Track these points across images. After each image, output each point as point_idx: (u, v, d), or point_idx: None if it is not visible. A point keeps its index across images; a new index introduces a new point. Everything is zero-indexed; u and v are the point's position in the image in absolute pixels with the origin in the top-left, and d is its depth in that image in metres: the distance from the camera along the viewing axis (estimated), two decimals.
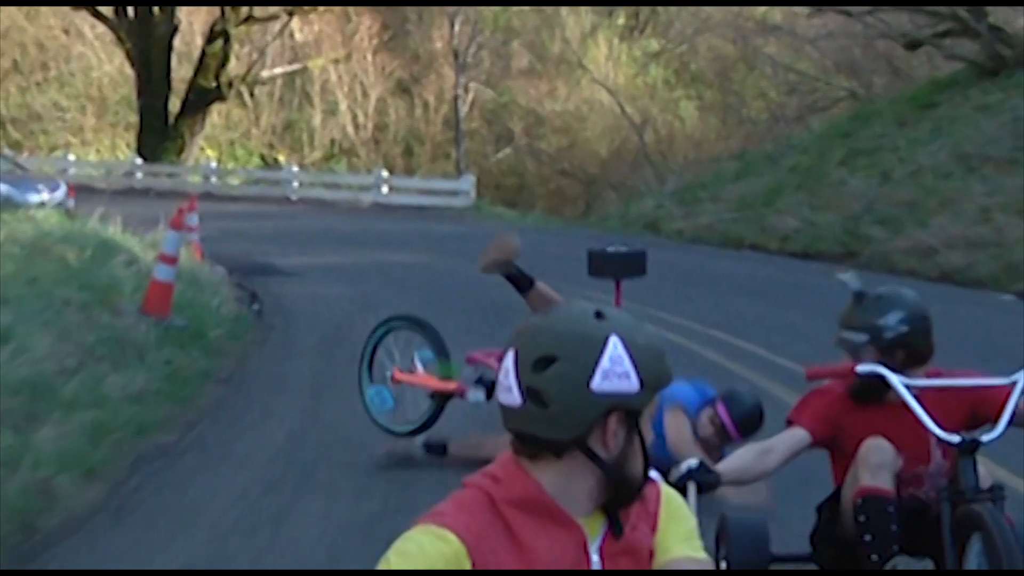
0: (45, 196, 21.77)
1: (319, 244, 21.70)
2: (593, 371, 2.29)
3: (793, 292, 16.37)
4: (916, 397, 4.47)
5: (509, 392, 2.33)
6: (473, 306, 14.12)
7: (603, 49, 43.81)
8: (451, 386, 7.48)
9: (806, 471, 4.59)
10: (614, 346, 2.30)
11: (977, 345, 11.22)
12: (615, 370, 2.29)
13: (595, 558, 2.34)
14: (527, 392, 2.30)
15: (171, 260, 10.96)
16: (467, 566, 2.24)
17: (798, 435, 4.63)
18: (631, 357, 2.31)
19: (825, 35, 33.85)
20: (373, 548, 2.05)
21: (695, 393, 7.08)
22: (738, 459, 4.57)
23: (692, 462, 4.32)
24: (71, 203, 21.94)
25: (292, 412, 8.96)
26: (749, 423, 6.76)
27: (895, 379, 4.46)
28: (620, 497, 2.36)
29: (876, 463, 4.46)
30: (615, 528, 2.36)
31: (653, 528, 2.42)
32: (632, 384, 2.31)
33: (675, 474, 4.26)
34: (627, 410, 2.32)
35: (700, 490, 4.27)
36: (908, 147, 22.84)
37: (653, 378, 2.33)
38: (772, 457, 4.56)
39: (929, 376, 4.62)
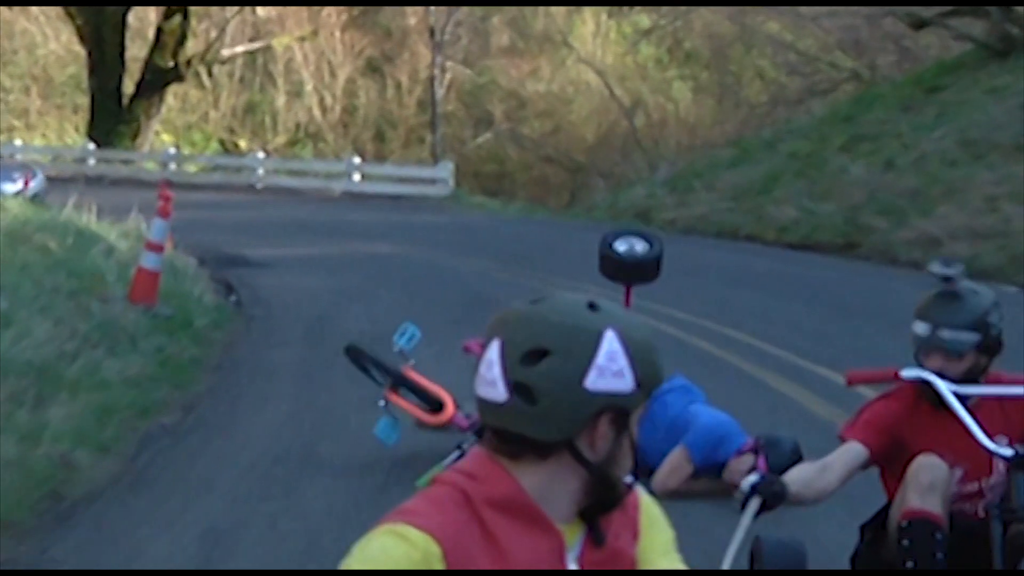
0: (20, 185, 22.77)
1: (290, 235, 22.68)
2: (587, 368, 2.33)
3: (792, 285, 17.29)
4: (974, 406, 4.58)
5: (492, 386, 2.36)
6: (458, 298, 15.14)
7: (590, 26, 44.50)
8: (442, 419, 7.83)
9: (847, 485, 4.75)
10: (610, 341, 2.34)
11: None
12: (610, 368, 2.33)
13: (573, 567, 2.38)
14: (514, 387, 2.33)
15: (158, 248, 12.00)
16: (438, 568, 2.28)
17: (854, 450, 4.65)
18: (627, 353, 2.35)
19: (828, 12, 34.80)
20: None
21: (730, 433, 7.51)
22: (799, 474, 4.59)
23: (753, 477, 4.42)
24: (27, 192, 22.89)
25: (286, 397, 10.00)
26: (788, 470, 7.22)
27: (942, 385, 4.55)
28: (603, 502, 2.41)
29: (927, 483, 4.48)
30: (595, 536, 2.41)
31: (635, 535, 2.48)
32: (627, 383, 2.35)
33: (738, 493, 4.40)
34: (619, 410, 2.37)
35: (765, 505, 4.34)
36: (912, 133, 23.74)
37: (649, 377, 2.38)
38: (830, 475, 4.59)
39: (988, 382, 4.67)
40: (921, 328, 4.67)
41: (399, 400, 7.95)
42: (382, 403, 7.97)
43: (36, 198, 21.22)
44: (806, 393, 10.31)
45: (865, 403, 4.85)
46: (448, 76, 42.45)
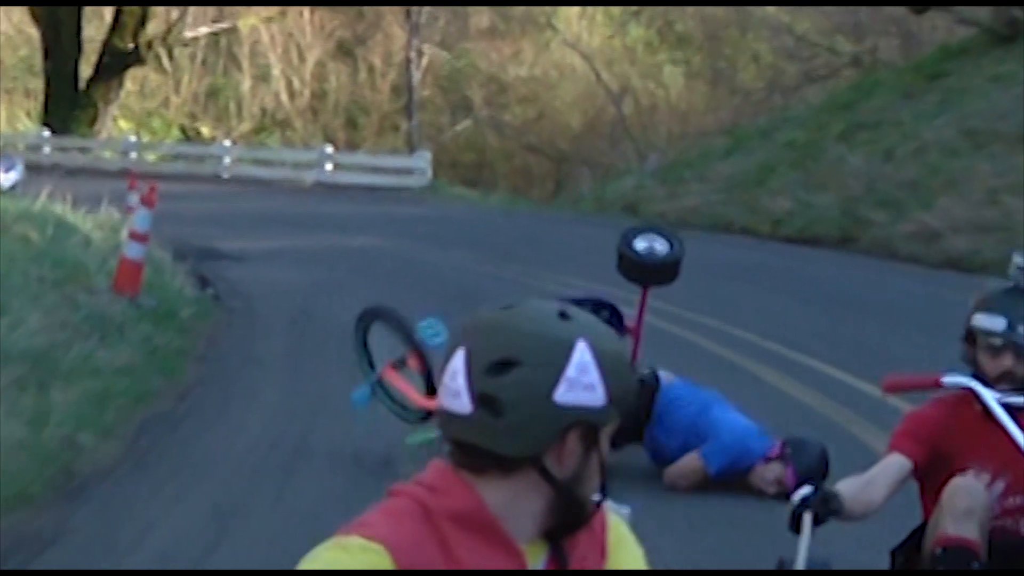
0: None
1: (263, 227, 23.46)
2: (557, 380, 2.36)
3: (788, 279, 18.05)
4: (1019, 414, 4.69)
5: (456, 397, 2.39)
6: (440, 292, 15.95)
7: (575, 6, 45.19)
8: (435, 405, 8.50)
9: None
10: (581, 353, 2.37)
11: None
12: (581, 380, 2.36)
13: None
14: (480, 399, 2.37)
15: (142, 238, 12.88)
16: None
17: (897, 462, 4.73)
18: (599, 366, 2.38)
19: None
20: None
21: (751, 443, 7.84)
22: (844, 488, 4.64)
23: (806, 490, 4.48)
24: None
25: (276, 387, 10.92)
26: (814, 476, 6.95)
27: (987, 394, 4.66)
28: (569, 522, 2.45)
29: (963, 508, 4.53)
30: (559, 558, 2.46)
31: (602, 556, 2.54)
32: (598, 398, 2.38)
33: (789, 505, 4.50)
34: (588, 426, 2.40)
35: (818, 520, 4.41)
36: (913, 122, 24.35)
37: (621, 392, 2.41)
38: (874, 490, 4.65)
39: None
40: (995, 323, 4.68)
41: (396, 378, 8.48)
42: (374, 376, 8.50)
43: (14, 189, 21.98)
44: (803, 388, 10.93)
45: (909, 414, 4.96)
46: (425, 59, 42.69)
